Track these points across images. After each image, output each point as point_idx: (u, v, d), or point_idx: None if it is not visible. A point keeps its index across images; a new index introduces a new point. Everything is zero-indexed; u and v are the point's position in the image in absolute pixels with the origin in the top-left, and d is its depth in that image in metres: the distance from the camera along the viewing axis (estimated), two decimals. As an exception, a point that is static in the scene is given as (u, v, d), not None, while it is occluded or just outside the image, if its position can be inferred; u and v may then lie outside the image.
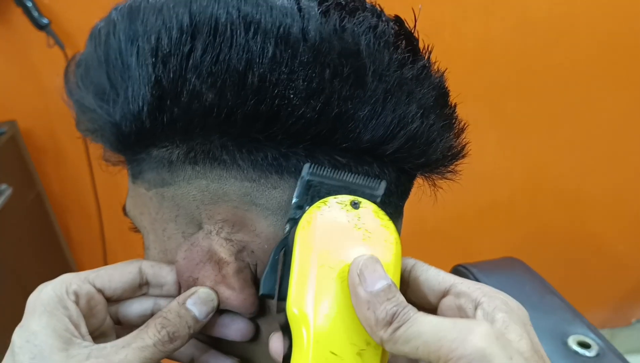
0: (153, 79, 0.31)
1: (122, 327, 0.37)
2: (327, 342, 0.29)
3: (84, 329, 0.33)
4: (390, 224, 0.32)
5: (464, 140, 0.39)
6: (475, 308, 0.30)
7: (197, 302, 0.34)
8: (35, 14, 1.22)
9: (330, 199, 0.32)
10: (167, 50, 0.31)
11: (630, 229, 1.52)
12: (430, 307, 0.32)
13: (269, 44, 0.31)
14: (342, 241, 0.31)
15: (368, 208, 0.32)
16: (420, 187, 1.41)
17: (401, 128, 0.34)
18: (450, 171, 0.39)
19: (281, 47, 0.31)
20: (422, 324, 0.27)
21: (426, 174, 0.39)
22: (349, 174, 0.33)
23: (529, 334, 0.29)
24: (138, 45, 0.32)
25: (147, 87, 0.31)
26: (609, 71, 1.33)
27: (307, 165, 0.32)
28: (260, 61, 0.30)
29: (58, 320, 0.32)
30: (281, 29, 0.31)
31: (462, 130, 0.39)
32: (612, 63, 1.32)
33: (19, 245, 1.30)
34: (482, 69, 1.33)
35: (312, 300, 0.30)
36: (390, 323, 0.28)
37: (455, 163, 0.39)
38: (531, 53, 1.31)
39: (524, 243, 1.53)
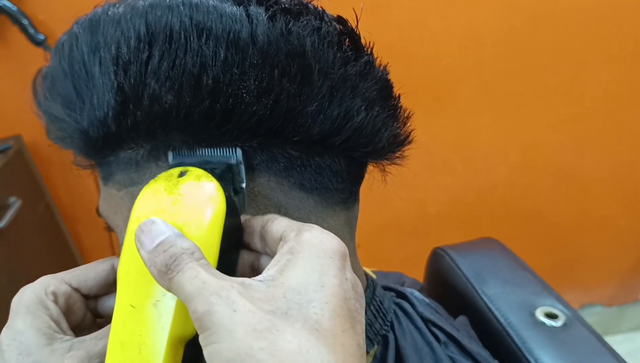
0: (116, 85, 0.33)
1: (104, 320, 0.40)
2: (127, 297, 0.32)
3: (64, 325, 0.36)
4: (212, 186, 0.33)
5: (410, 128, 0.42)
6: None
7: None
8: (32, 31, 1.26)
9: (161, 175, 0.35)
10: (127, 58, 0.33)
11: (631, 204, 1.52)
12: None
13: (220, 48, 0.33)
14: (151, 208, 0.33)
15: (191, 175, 0.34)
16: (419, 174, 1.42)
17: (347, 120, 0.36)
18: (398, 157, 0.42)
19: (232, 50, 0.33)
20: (185, 281, 0.29)
21: (375, 161, 0.41)
22: (206, 150, 0.35)
23: (312, 270, 0.29)
24: (100, 55, 0.34)
25: (110, 94, 0.34)
26: (598, 45, 1.33)
27: (170, 153, 0.35)
28: (214, 64, 0.33)
29: (40, 319, 0.35)
30: (231, 34, 0.33)
31: (407, 119, 0.41)
32: (600, 36, 1.32)
33: (32, 256, 1.34)
34: (470, 52, 1.33)
35: (122, 264, 0.33)
36: (165, 272, 0.29)
37: (402, 149, 0.41)
38: (518, 33, 1.31)
39: (525, 223, 1.53)
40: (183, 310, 0.31)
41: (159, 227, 0.31)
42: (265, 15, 0.34)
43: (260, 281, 0.29)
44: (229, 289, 0.28)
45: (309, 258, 0.29)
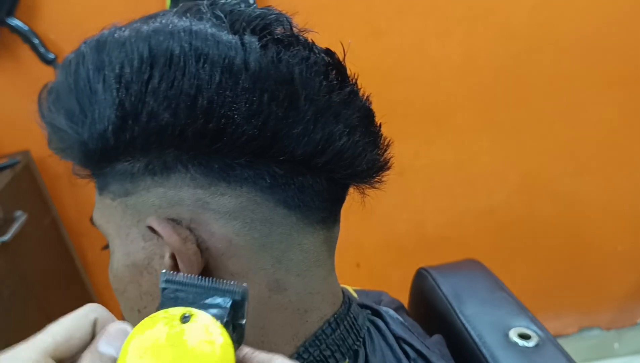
0: (117, 102, 0.36)
1: None
2: None
3: None
4: (221, 339, 0.30)
5: (389, 154, 0.44)
6: None
7: (111, 341, 0.31)
8: (42, 50, 1.30)
9: (159, 314, 0.30)
10: (130, 77, 0.36)
11: (628, 229, 1.52)
12: None
13: (216, 73, 0.35)
14: (152, 360, 0.28)
15: (200, 322, 0.30)
16: (419, 195, 1.44)
17: (330, 144, 0.39)
18: (377, 181, 0.44)
19: (226, 75, 0.36)
20: None
21: (356, 184, 0.44)
22: (206, 280, 0.32)
23: None
24: (104, 73, 0.36)
25: (111, 110, 0.36)
26: (595, 72, 1.35)
27: (162, 272, 0.33)
28: (209, 86, 0.35)
29: None
30: (226, 60, 0.36)
31: (388, 146, 0.44)
32: (597, 63, 1.34)
33: (36, 269, 1.37)
34: (470, 77, 1.36)
35: None
36: None
37: (381, 174, 0.44)
38: (516, 60, 1.34)
39: (523, 246, 1.54)
40: None
41: None
42: (259, 44, 0.37)
43: None
44: None
45: None
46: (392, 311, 0.50)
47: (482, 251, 1.55)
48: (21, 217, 1.29)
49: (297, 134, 0.37)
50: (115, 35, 0.38)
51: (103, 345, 0.30)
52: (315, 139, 0.38)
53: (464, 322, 0.54)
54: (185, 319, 0.30)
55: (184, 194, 0.38)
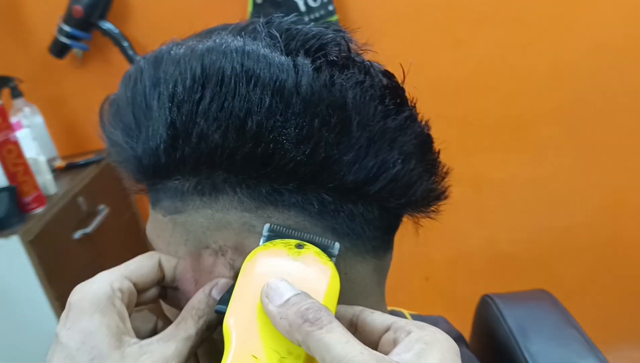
0: (169, 121, 0.36)
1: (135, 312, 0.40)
2: (249, 346, 0.32)
3: (128, 324, 0.36)
4: (328, 264, 0.35)
5: (446, 183, 0.42)
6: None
7: (221, 291, 0.37)
8: (131, 53, 1.37)
9: (277, 240, 0.36)
10: (182, 97, 0.36)
11: None
12: (373, 345, 0.34)
13: (266, 96, 0.35)
14: (277, 268, 0.34)
15: (311, 249, 0.35)
16: (493, 211, 1.39)
17: (383, 172, 0.37)
18: (433, 211, 0.42)
19: (277, 98, 0.35)
20: (335, 342, 0.29)
21: (410, 213, 0.42)
22: (306, 234, 0.37)
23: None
24: (159, 90, 0.37)
25: (164, 128, 0.36)
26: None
27: (266, 225, 0.37)
28: (259, 109, 0.35)
29: (110, 318, 0.35)
30: (277, 83, 0.35)
31: (446, 174, 0.42)
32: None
33: (114, 261, 1.43)
34: (554, 90, 1.31)
35: (240, 313, 0.33)
36: (301, 325, 0.30)
37: (437, 204, 0.42)
38: (606, 73, 1.27)
39: (604, 272, 1.46)
40: None
41: (286, 285, 0.33)
42: (312, 66, 0.36)
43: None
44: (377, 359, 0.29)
45: (441, 351, 0.31)
46: (447, 344, 0.48)
47: (557, 275, 1.48)
48: (104, 211, 1.36)
49: (348, 161, 0.36)
50: (171, 52, 0.38)
51: (216, 293, 0.37)
52: (367, 166, 0.36)
53: (529, 359, 0.51)
54: (299, 247, 0.36)
55: (231, 218, 0.38)
